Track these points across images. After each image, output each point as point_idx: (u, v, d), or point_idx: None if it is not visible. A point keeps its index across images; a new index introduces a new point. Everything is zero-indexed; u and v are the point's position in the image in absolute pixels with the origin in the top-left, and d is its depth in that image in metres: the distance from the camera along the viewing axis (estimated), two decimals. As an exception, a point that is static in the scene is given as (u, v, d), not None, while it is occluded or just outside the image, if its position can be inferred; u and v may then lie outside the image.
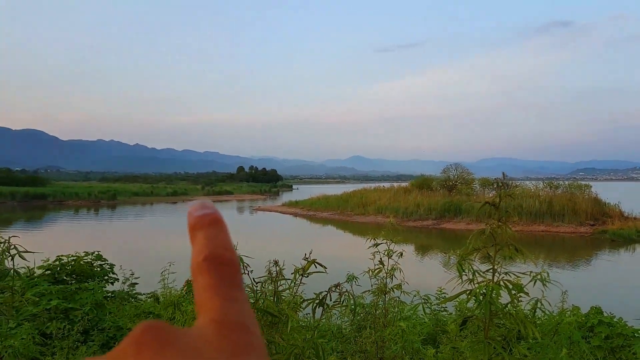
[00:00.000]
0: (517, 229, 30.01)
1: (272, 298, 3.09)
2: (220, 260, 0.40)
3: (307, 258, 3.00)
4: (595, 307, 6.37)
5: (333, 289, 3.05)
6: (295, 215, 44.30)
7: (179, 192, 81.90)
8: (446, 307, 6.75)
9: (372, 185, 51.90)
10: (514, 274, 2.87)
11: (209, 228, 0.41)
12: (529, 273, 2.95)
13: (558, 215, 32.04)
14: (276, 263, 3.11)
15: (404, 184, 46.10)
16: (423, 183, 42.70)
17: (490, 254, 2.85)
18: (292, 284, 3.16)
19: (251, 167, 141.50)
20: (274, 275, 3.12)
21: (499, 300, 2.88)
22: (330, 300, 3.07)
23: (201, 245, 0.40)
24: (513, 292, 2.86)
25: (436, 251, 23.98)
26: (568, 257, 23.21)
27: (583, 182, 37.67)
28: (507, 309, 2.87)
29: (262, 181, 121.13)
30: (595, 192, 34.35)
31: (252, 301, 3.06)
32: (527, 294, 2.86)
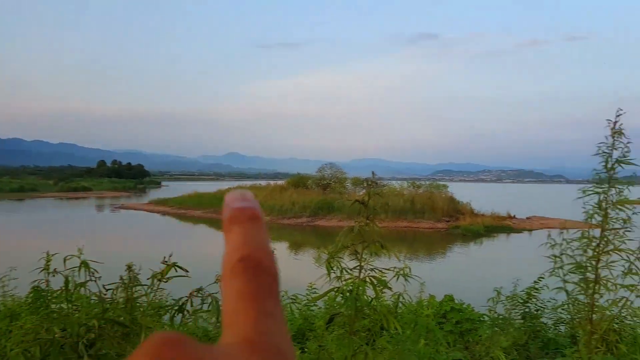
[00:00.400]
0: (383, 225, 31.92)
1: (125, 307, 2.77)
2: (258, 264, 0.35)
3: (166, 261, 2.74)
4: (448, 296, 6.96)
5: (195, 293, 2.83)
6: (164, 214, 41.97)
7: (26, 187, 72.45)
8: (317, 302, 6.85)
9: (249, 182, 51.47)
10: (379, 270, 2.93)
11: (248, 224, 0.37)
12: (392, 269, 3.05)
13: (419, 212, 35.00)
14: (129, 268, 2.80)
15: (280, 182, 46.48)
16: (299, 181, 43.47)
17: (358, 251, 2.88)
18: (149, 291, 2.86)
19: (114, 162, 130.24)
20: (126, 281, 2.80)
21: (366, 295, 2.92)
22: (192, 305, 2.85)
23: (238, 243, 0.36)
24: (378, 287, 2.93)
25: (309, 247, 24.57)
26: (426, 250, 25.44)
27: (441, 183, 41.73)
28: (372, 304, 2.92)
29: (126, 177, 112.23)
30: (451, 192, 38.29)
31: (101, 311, 2.70)
32: (390, 288, 2.95)
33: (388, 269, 2.98)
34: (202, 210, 41.31)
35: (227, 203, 0.38)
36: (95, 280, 3.11)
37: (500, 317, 5.88)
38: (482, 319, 6.44)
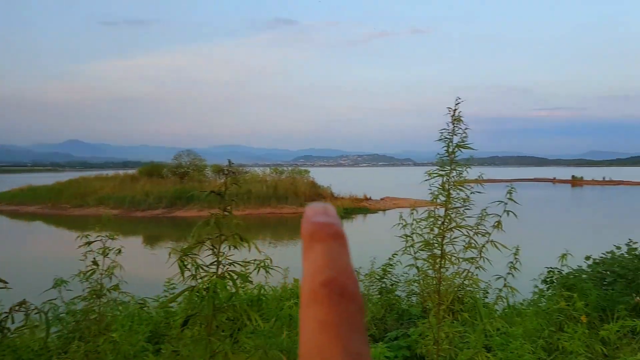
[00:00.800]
0: (247, 212, 31.94)
1: None
2: (343, 291, 0.32)
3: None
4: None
5: (16, 308, 2.34)
6: (-11, 211, 36.28)
7: None
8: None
9: (93, 173, 46.76)
10: (239, 264, 2.76)
11: (332, 243, 0.34)
12: (253, 261, 2.90)
13: (282, 197, 35.65)
14: None
15: (131, 172, 43.25)
16: (153, 170, 40.99)
17: (215, 245, 2.67)
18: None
19: None
20: None
21: (228, 288, 2.74)
22: (13, 322, 2.37)
23: (320, 264, 0.33)
24: (239, 282, 2.76)
25: (167, 240, 23.34)
26: (290, 235, 25.98)
27: (303, 168, 42.93)
28: (232, 300, 2.75)
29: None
30: (312, 177, 39.67)
31: None
32: (251, 282, 2.81)
33: (249, 262, 2.83)
34: (37, 205, 36.58)
35: (307, 216, 0.35)
36: None
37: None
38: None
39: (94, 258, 3.88)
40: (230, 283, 2.70)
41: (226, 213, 2.66)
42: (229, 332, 2.83)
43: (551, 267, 6.60)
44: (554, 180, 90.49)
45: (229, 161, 3.02)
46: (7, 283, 2.58)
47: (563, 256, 5.68)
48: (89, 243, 3.89)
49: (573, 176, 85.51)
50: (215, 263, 2.66)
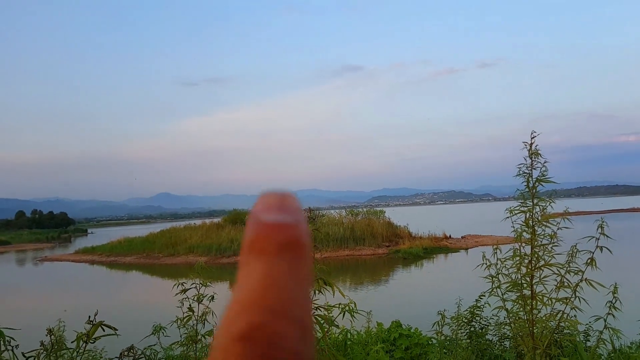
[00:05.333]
0: (325, 255, 32.04)
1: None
2: (270, 349, 0.21)
3: (92, 321, 2.50)
4: (395, 322, 6.94)
5: (125, 353, 2.59)
6: (92, 263, 39.54)
7: None
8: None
9: (182, 223, 49.68)
10: (325, 308, 2.85)
11: (277, 259, 0.22)
12: (338, 305, 2.97)
13: (359, 239, 35.39)
14: (50, 332, 2.52)
15: (216, 220, 45.37)
16: (236, 217, 42.62)
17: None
18: (75, 354, 2.59)
19: (34, 212, 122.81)
20: (48, 347, 2.51)
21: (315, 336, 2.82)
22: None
23: (248, 300, 0.21)
24: (324, 326, 2.84)
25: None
26: (370, 277, 25.59)
27: (378, 209, 42.56)
28: (320, 344, 2.82)
29: (48, 227, 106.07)
30: (388, 217, 39.12)
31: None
32: (337, 326, 2.87)
33: (333, 306, 2.91)
34: (133, 256, 39.37)
35: (255, 213, 0.22)
36: (12, 350, 2.77)
37: (448, 338, 5.92)
38: (430, 342, 6.46)
39: (190, 305, 4.05)
40: (317, 327, 2.78)
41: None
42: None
43: (661, 306, 5.94)
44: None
45: (310, 209, 3.17)
46: (117, 330, 2.83)
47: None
48: (184, 290, 4.05)
49: (679, 204, 76.78)
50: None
